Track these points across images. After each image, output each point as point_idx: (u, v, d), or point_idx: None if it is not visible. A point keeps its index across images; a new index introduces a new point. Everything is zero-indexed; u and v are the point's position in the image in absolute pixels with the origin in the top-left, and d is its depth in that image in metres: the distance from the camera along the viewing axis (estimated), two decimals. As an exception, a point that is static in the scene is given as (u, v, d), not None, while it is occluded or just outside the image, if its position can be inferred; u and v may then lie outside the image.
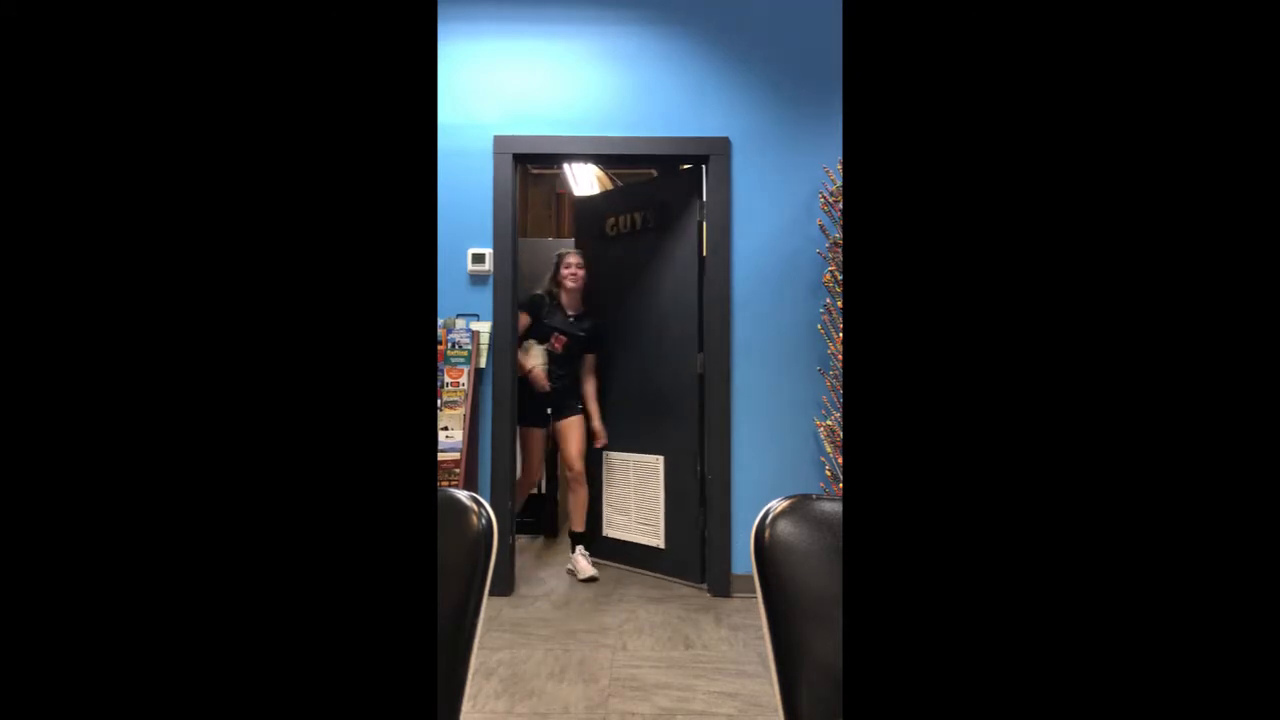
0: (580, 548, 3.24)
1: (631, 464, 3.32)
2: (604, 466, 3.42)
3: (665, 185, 3.29)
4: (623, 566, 3.31)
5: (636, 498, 3.30)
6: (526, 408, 3.21)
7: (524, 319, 3.22)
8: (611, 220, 3.49)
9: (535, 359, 3.21)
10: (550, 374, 3.23)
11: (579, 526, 3.28)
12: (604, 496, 3.42)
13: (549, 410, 3.26)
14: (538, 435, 3.30)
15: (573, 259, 3.30)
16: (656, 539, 3.17)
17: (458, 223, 3.01)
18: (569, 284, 3.26)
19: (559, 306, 3.28)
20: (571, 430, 3.29)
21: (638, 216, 3.37)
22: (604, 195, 3.79)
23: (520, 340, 3.19)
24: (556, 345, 3.26)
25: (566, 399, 3.30)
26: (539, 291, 3.30)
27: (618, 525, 3.37)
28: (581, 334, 3.29)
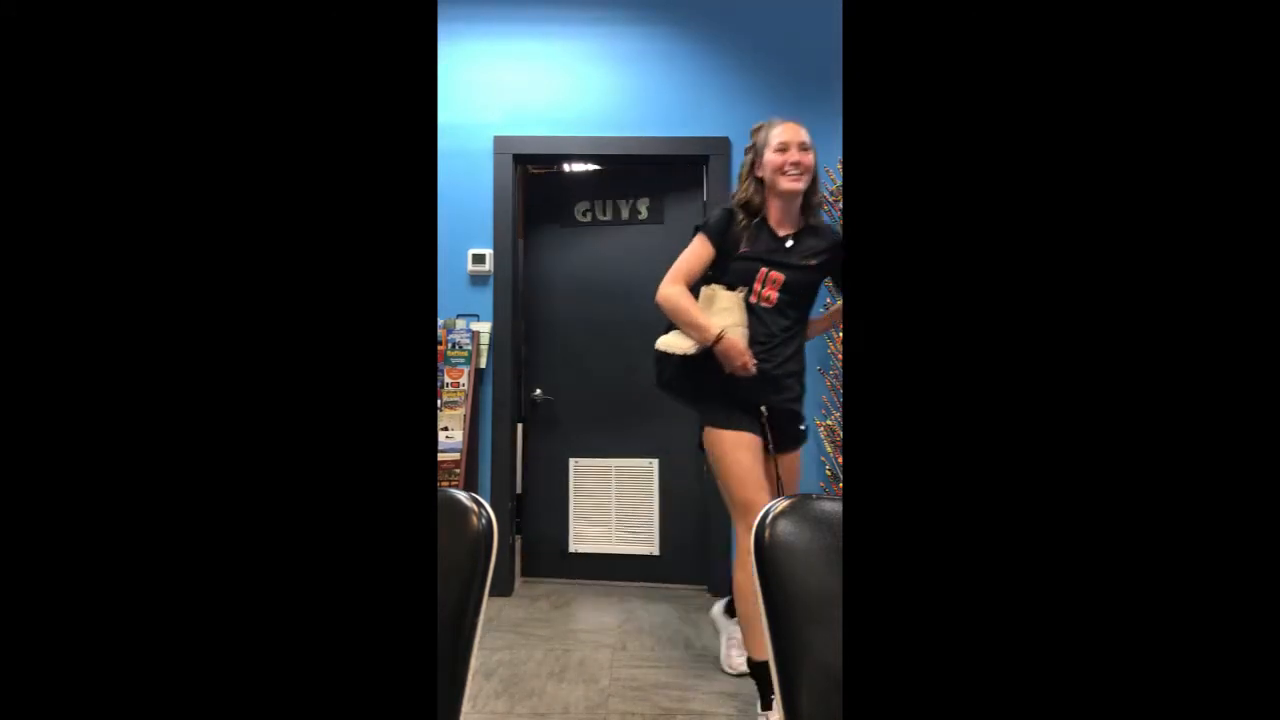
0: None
1: (613, 469, 3.10)
2: (570, 475, 3.12)
3: (661, 177, 3.13)
4: (600, 582, 3.06)
5: (619, 505, 3.08)
6: (721, 394, 1.79)
7: (702, 249, 1.82)
8: (585, 205, 3.15)
9: (729, 316, 1.76)
10: (755, 348, 1.76)
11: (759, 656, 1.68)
12: (571, 508, 3.11)
13: (763, 411, 1.78)
14: (748, 443, 1.76)
15: (791, 135, 1.78)
16: (649, 546, 3.06)
17: (458, 223, 3.01)
18: (784, 184, 1.77)
19: (764, 226, 1.82)
20: (796, 468, 1.88)
21: (623, 205, 3.11)
22: (579, 176, 3.28)
23: (693, 286, 1.83)
24: (767, 293, 1.79)
25: (787, 402, 1.83)
26: (729, 206, 1.86)
27: (592, 538, 3.10)
28: (812, 265, 1.80)
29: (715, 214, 1.86)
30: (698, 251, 1.83)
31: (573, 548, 3.12)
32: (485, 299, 3.02)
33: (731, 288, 1.80)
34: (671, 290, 1.81)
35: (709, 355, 1.77)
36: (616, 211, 3.16)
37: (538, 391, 3.19)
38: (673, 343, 1.83)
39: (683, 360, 1.82)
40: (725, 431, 1.78)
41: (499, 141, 3.03)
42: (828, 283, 2.08)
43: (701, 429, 1.86)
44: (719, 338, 1.73)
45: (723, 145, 3.02)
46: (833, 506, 0.72)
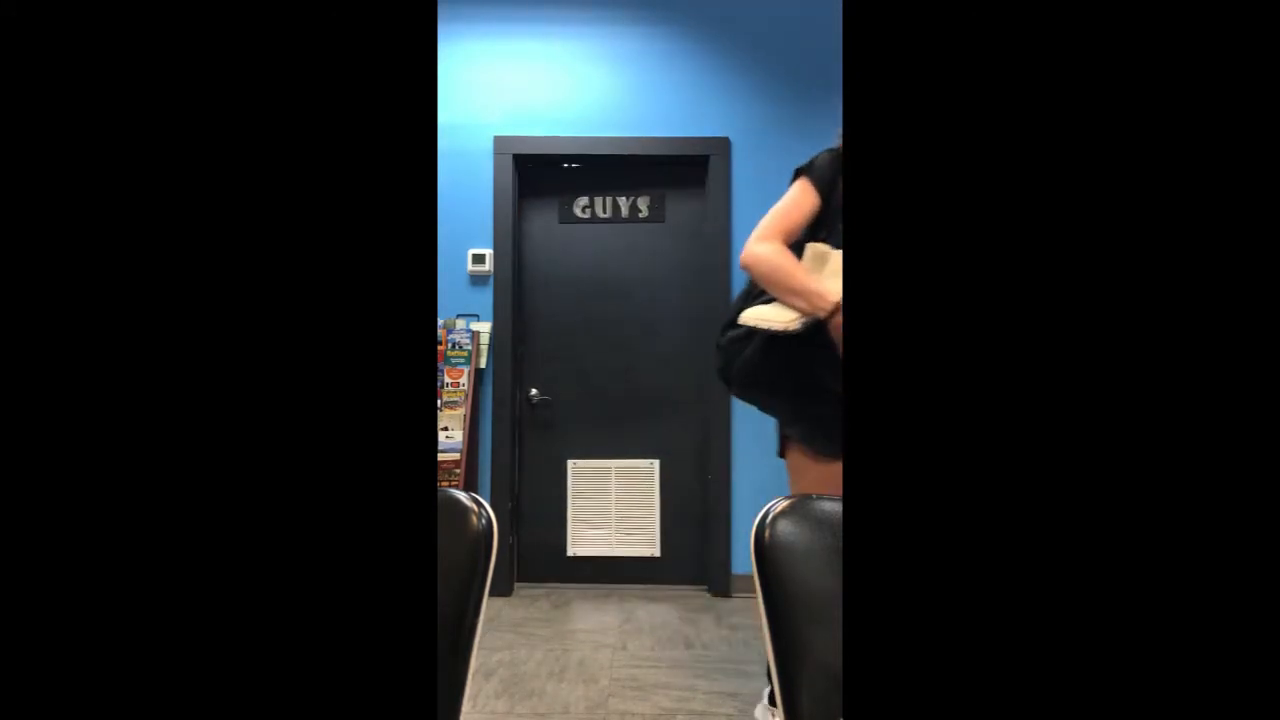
0: None
1: (612, 470, 3.07)
2: (569, 478, 3.09)
3: (663, 174, 3.12)
4: (600, 585, 3.03)
5: (619, 507, 3.07)
6: (817, 390, 1.34)
7: (805, 197, 1.40)
8: (584, 201, 3.12)
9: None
10: None
11: None
12: (569, 512, 3.07)
13: None
14: (840, 478, 1.24)
15: None
16: (650, 548, 3.05)
17: (458, 223, 3.01)
18: None
19: None
20: None
21: (623, 201, 3.10)
22: (578, 171, 3.14)
23: (792, 243, 1.37)
24: None
25: None
26: (837, 146, 1.43)
27: (591, 541, 3.06)
28: None
29: (821, 155, 1.40)
30: (799, 200, 1.37)
31: (571, 551, 3.08)
32: (485, 299, 3.02)
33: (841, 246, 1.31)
34: (767, 248, 1.33)
35: (815, 332, 1.26)
36: (616, 208, 3.14)
37: (533, 391, 3.11)
38: (769, 316, 1.32)
39: (769, 341, 1.33)
40: (813, 464, 1.36)
41: (499, 141, 3.03)
42: None
43: (782, 438, 1.44)
44: (838, 308, 1.22)
45: (723, 145, 3.02)
46: (833, 506, 0.72)
